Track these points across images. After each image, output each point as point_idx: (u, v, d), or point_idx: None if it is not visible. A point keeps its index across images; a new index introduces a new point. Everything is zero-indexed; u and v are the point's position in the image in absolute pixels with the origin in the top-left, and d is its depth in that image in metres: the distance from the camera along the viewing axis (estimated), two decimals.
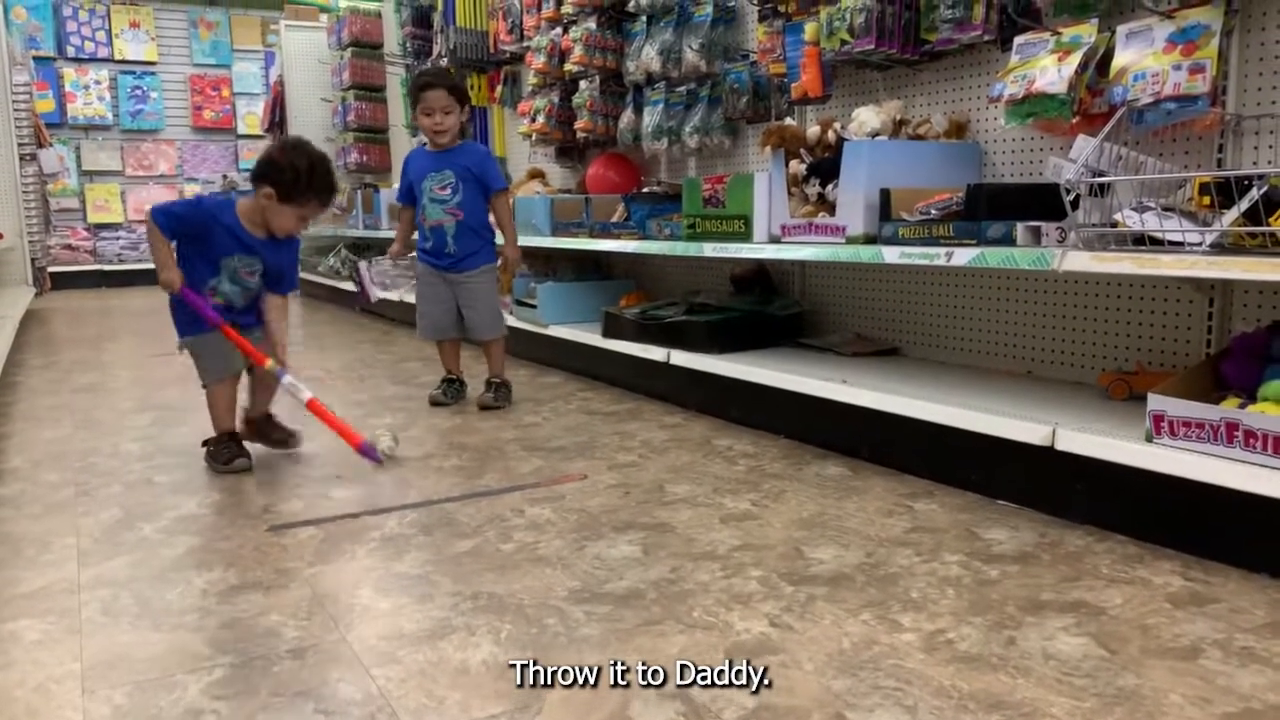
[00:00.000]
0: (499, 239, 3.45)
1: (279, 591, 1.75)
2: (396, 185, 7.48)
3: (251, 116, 10.67)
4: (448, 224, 3.32)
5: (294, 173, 2.48)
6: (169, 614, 1.66)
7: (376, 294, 3.79)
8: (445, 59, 5.45)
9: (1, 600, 1.74)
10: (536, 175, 4.92)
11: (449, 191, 3.31)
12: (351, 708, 1.33)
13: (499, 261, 3.45)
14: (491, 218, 3.42)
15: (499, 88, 5.27)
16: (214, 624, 1.61)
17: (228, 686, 1.40)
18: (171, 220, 2.52)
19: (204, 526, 2.14)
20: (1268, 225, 1.68)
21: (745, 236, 2.90)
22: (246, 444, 2.65)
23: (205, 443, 2.63)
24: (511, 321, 3.87)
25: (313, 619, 1.63)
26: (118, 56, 10.13)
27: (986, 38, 2.51)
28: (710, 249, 2.99)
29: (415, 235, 3.46)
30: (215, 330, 2.53)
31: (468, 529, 2.07)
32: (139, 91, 10.22)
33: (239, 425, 2.68)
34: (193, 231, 2.53)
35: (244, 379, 2.68)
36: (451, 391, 3.47)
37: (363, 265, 3.75)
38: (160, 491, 2.39)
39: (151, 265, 2.63)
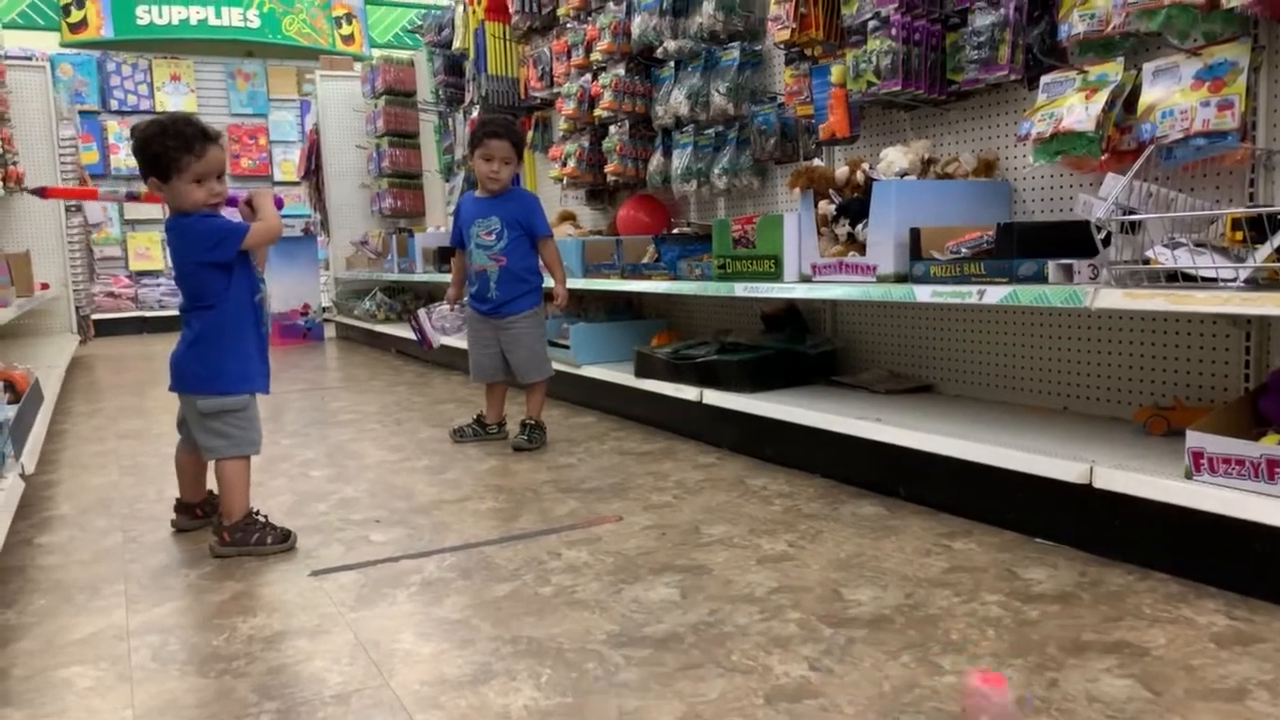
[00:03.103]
0: (549, 281, 3.51)
1: (322, 637, 1.78)
2: (430, 229, 7.58)
3: (288, 164, 10.91)
4: (491, 270, 3.39)
5: (150, 146, 2.27)
6: (216, 660, 1.69)
7: (438, 339, 3.82)
8: (478, 106, 5.56)
9: (54, 647, 1.78)
10: (568, 218, 4.99)
11: (494, 238, 3.38)
12: None
13: (548, 304, 3.50)
14: (540, 263, 3.49)
15: (530, 133, 5.36)
16: (259, 670, 1.64)
17: None
18: (229, 247, 2.33)
19: (247, 572, 2.18)
20: None
21: (776, 276, 2.92)
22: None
23: (230, 528, 2.33)
24: None
25: (355, 664, 1.65)
26: (159, 108, 10.41)
27: (1013, 77, 2.53)
28: (741, 289, 3.02)
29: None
30: (254, 394, 2.41)
31: (506, 572, 2.09)
32: None
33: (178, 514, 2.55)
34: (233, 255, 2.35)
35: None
36: (475, 432, 3.54)
37: (421, 313, 3.80)
38: (204, 536, 2.42)
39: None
